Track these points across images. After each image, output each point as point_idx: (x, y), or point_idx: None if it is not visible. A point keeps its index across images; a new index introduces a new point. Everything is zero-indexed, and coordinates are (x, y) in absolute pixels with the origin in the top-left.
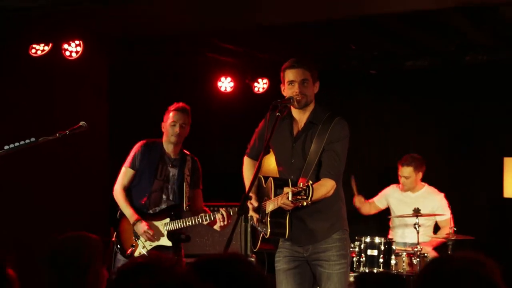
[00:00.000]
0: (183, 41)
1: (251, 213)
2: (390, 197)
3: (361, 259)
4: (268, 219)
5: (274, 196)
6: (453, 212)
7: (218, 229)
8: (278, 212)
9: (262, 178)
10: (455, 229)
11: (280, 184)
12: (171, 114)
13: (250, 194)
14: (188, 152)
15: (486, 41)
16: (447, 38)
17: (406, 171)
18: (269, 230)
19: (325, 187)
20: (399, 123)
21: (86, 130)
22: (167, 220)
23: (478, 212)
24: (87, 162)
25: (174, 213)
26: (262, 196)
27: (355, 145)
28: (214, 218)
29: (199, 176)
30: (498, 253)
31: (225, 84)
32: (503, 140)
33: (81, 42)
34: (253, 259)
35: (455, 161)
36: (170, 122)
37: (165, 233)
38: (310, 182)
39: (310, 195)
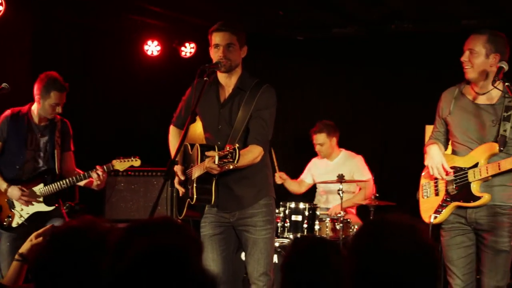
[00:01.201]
0: (110, 3)
1: (176, 186)
2: (313, 169)
3: (286, 225)
4: (194, 185)
5: (201, 162)
6: (377, 178)
7: (96, 188)
8: (205, 178)
9: (188, 145)
10: (377, 195)
11: (205, 150)
12: (52, 94)
13: (177, 160)
14: (58, 116)
15: (411, 10)
16: (373, 7)
17: (319, 138)
18: (195, 196)
19: (252, 153)
20: (324, 90)
21: (8, 91)
22: (41, 185)
23: (400, 179)
24: None
25: (48, 177)
26: (188, 163)
27: (280, 112)
28: (89, 177)
29: (70, 139)
30: (417, 217)
31: (152, 47)
32: (426, 108)
33: (3, 1)
34: None
35: (379, 129)
36: (52, 103)
37: (41, 198)
38: (237, 145)
39: (237, 158)
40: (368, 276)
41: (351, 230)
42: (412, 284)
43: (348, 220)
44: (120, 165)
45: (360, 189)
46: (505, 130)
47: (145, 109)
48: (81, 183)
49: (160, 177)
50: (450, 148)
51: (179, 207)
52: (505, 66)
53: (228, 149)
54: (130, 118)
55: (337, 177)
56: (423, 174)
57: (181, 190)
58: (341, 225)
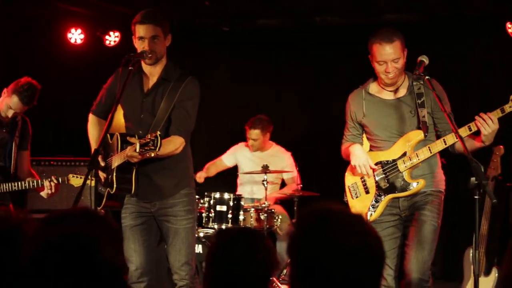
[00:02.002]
0: None
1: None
2: (239, 155)
3: (210, 215)
4: (114, 174)
5: (121, 151)
6: (301, 170)
7: (45, 196)
8: (125, 168)
9: (108, 135)
10: (301, 186)
11: (126, 139)
12: (14, 98)
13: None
14: (20, 114)
15: (336, 3)
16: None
17: (254, 134)
18: (115, 186)
19: (174, 143)
20: (251, 82)
21: None
22: None
23: (324, 170)
24: None
25: (1, 176)
26: (108, 153)
27: (206, 103)
28: (42, 184)
29: (28, 138)
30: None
31: (75, 36)
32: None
33: None
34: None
35: (304, 121)
36: (10, 106)
37: None
38: (159, 132)
39: (158, 145)
40: (313, 265)
41: (275, 220)
42: (358, 274)
43: (273, 210)
44: (75, 180)
45: (282, 180)
46: (424, 116)
47: (68, 98)
48: (31, 187)
49: (83, 167)
50: (367, 147)
51: (98, 197)
52: (426, 60)
53: (149, 137)
54: (53, 106)
55: (261, 168)
56: (346, 174)
57: (102, 175)
58: (266, 215)
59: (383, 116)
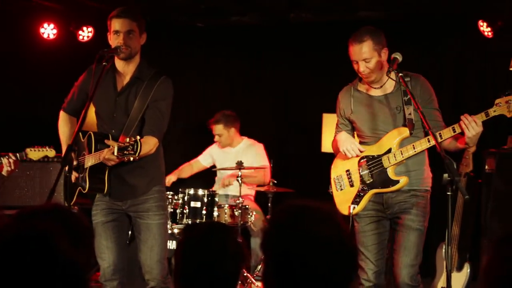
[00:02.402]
0: None
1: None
2: (214, 154)
3: (185, 211)
4: (87, 174)
5: (95, 151)
6: (276, 166)
7: (5, 174)
8: (98, 168)
9: (80, 133)
10: (275, 182)
11: (100, 139)
12: None
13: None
14: None
15: (310, 0)
16: None
17: (217, 129)
18: (87, 185)
19: (148, 144)
20: (225, 78)
21: None
22: None
23: (298, 166)
24: None
25: None
26: (80, 151)
27: (181, 99)
28: (0, 163)
29: None
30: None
31: (48, 31)
32: (323, 97)
33: None
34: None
35: (278, 117)
36: None
37: None
38: (138, 137)
39: (138, 151)
40: (287, 259)
41: (249, 216)
42: (331, 267)
43: (247, 206)
44: (33, 154)
45: None
46: (410, 114)
47: (40, 94)
48: None
49: (56, 163)
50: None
51: (69, 194)
52: (399, 57)
53: (128, 141)
54: (26, 101)
55: (236, 164)
56: (332, 167)
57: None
58: (240, 211)
59: (369, 113)
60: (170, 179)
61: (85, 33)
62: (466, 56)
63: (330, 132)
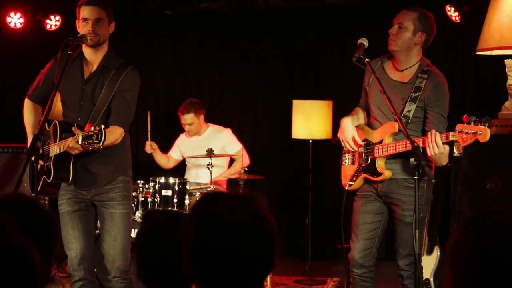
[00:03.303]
0: None
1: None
2: (181, 146)
3: (156, 200)
4: (52, 163)
5: (60, 139)
6: (247, 153)
7: None
8: (62, 156)
9: (46, 122)
10: (246, 168)
11: (66, 128)
12: None
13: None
14: None
15: None
16: None
17: (188, 118)
18: (52, 174)
19: (114, 134)
20: (194, 66)
21: None
22: None
23: (268, 152)
24: None
25: None
26: (45, 140)
27: (149, 88)
28: None
29: None
30: (286, 190)
31: (15, 20)
32: (292, 83)
33: None
34: (46, 201)
35: (248, 103)
36: None
37: None
38: (103, 126)
39: (103, 140)
40: (206, 248)
41: None
42: (249, 253)
43: None
44: None
45: (230, 161)
46: (409, 111)
47: (7, 84)
48: None
49: (25, 154)
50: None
51: (33, 183)
52: (365, 43)
53: (93, 130)
54: None
55: (206, 152)
56: None
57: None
58: None
59: (379, 93)
60: (153, 145)
61: (53, 22)
62: (434, 41)
63: (300, 119)
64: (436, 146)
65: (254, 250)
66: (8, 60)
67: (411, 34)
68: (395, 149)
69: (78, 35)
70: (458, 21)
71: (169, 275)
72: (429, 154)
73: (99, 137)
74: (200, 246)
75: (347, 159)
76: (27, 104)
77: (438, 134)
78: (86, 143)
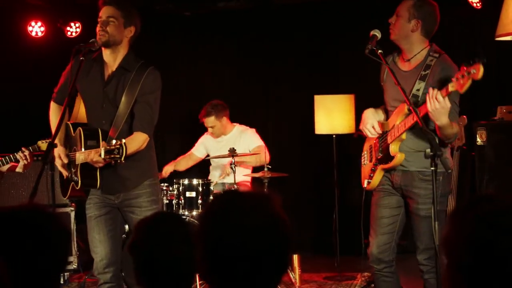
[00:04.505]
0: None
1: (60, 168)
2: (207, 144)
3: (180, 202)
4: (79, 170)
5: (84, 147)
6: (269, 151)
7: (22, 170)
8: (88, 163)
9: (70, 126)
10: (269, 166)
11: (89, 134)
12: None
13: (56, 141)
14: None
15: None
16: None
17: (209, 122)
18: (79, 181)
19: (138, 141)
20: (213, 66)
21: None
22: None
23: (292, 149)
24: None
25: None
26: (71, 146)
27: (169, 90)
28: (14, 159)
29: None
30: (311, 186)
31: (36, 28)
32: (314, 79)
33: None
34: (72, 208)
35: (270, 101)
36: None
37: None
38: (124, 141)
39: (124, 155)
40: (220, 250)
41: None
42: (263, 254)
43: None
44: (45, 145)
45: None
46: (418, 90)
47: (31, 92)
48: (4, 168)
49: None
50: None
51: (63, 188)
52: (378, 34)
53: (114, 144)
54: (16, 100)
55: (228, 151)
56: (365, 142)
57: (65, 173)
58: None
59: (394, 87)
60: (168, 169)
61: (73, 29)
62: (454, 28)
63: (323, 114)
64: (436, 101)
65: (268, 251)
66: (31, 69)
67: (405, 21)
68: (405, 126)
69: (90, 40)
70: (479, 7)
71: (163, 278)
72: (429, 109)
73: (120, 151)
74: (215, 248)
75: (365, 158)
76: (53, 107)
77: (438, 91)
78: (109, 157)
